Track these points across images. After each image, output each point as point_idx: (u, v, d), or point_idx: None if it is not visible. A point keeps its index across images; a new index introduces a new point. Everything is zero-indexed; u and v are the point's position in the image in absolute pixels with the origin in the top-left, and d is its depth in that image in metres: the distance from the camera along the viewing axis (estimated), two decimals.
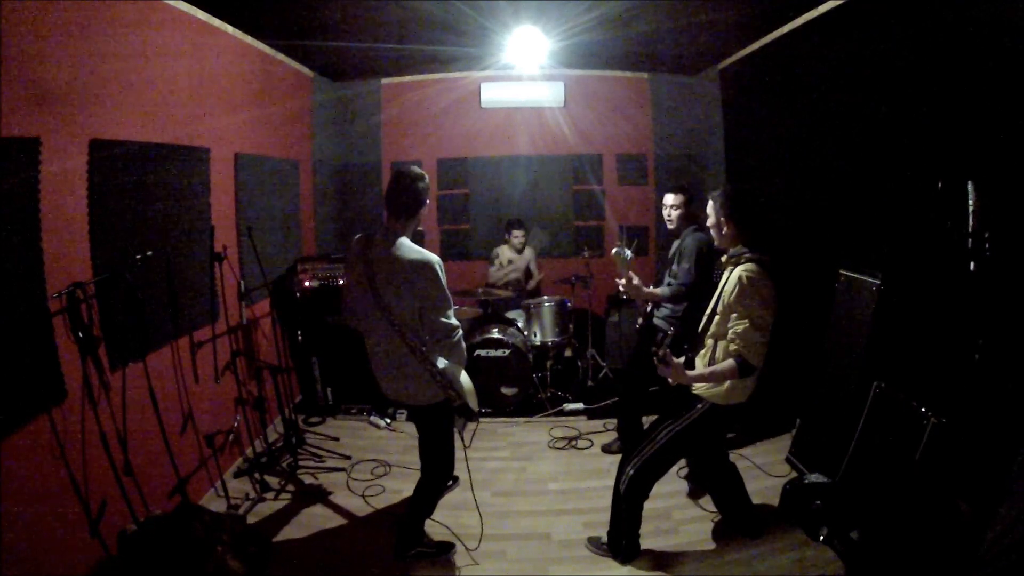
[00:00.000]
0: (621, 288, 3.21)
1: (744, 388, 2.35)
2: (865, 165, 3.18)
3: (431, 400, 2.40)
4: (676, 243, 3.34)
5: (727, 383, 2.30)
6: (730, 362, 2.20)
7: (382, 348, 2.38)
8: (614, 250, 3.22)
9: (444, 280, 2.29)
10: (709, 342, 2.37)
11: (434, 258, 2.27)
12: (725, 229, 2.38)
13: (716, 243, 2.50)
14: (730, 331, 2.24)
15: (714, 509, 2.86)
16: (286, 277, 4.18)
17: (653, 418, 2.68)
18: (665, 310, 3.33)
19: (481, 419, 4.22)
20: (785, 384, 3.24)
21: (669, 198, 3.34)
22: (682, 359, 2.29)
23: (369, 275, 2.29)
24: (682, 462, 3.28)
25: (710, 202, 2.44)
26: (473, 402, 2.57)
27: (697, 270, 3.16)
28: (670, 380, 2.30)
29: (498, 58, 4.72)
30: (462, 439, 2.62)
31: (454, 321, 2.33)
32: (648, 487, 2.53)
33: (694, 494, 3.15)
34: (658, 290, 3.29)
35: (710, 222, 2.46)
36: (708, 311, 2.44)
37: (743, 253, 2.32)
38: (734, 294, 2.23)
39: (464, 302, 4.68)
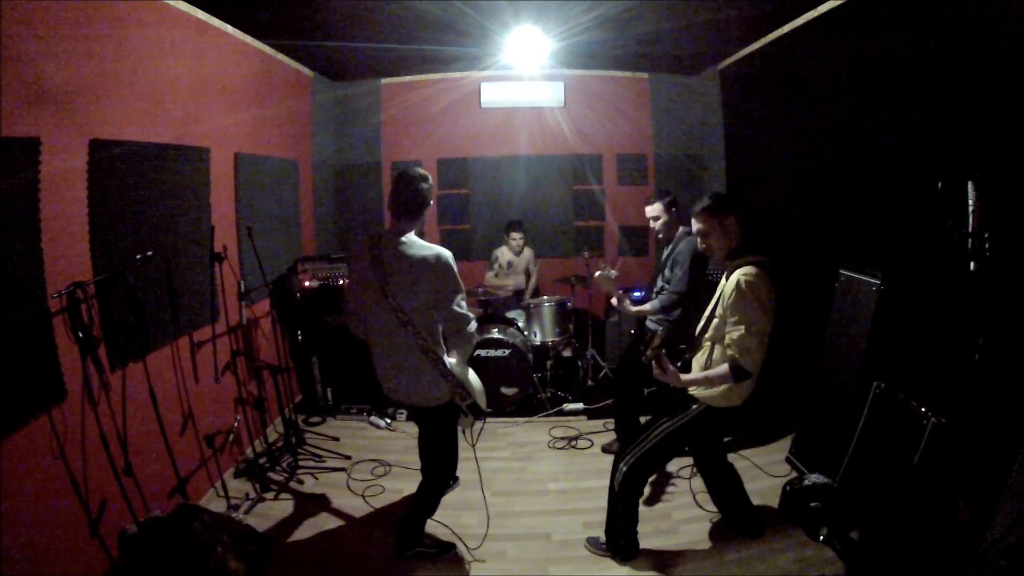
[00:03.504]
0: (614, 304, 3.25)
1: (740, 392, 2.34)
2: (865, 165, 3.18)
3: (438, 401, 2.41)
4: (667, 248, 3.29)
5: (723, 386, 2.30)
6: (724, 367, 2.21)
7: (389, 349, 2.37)
8: (597, 273, 3.19)
9: (456, 271, 2.33)
10: (707, 345, 2.37)
11: (445, 251, 2.31)
12: (715, 236, 2.35)
13: (711, 256, 2.44)
14: (726, 336, 2.24)
15: (714, 509, 2.86)
16: (286, 277, 4.18)
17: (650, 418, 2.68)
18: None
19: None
20: (785, 384, 3.24)
21: (647, 210, 3.31)
22: (679, 363, 2.29)
23: (379, 275, 2.29)
24: (687, 464, 3.28)
25: (693, 219, 2.40)
26: (482, 400, 2.57)
27: (691, 275, 3.12)
28: (670, 384, 2.30)
29: (498, 58, 4.72)
30: (467, 438, 2.61)
31: (469, 312, 2.36)
32: (642, 483, 2.55)
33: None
34: (647, 306, 3.27)
35: (699, 237, 2.41)
36: (707, 313, 2.43)
37: (744, 256, 2.32)
38: (732, 298, 2.22)
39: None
